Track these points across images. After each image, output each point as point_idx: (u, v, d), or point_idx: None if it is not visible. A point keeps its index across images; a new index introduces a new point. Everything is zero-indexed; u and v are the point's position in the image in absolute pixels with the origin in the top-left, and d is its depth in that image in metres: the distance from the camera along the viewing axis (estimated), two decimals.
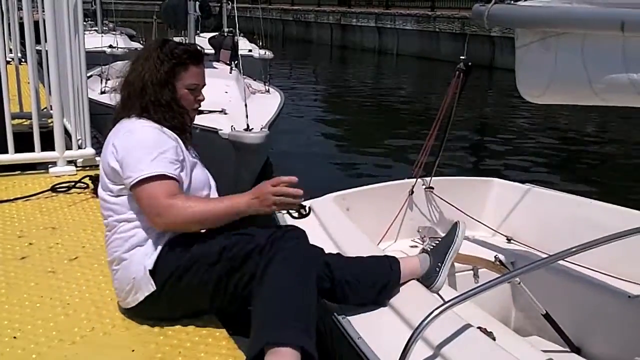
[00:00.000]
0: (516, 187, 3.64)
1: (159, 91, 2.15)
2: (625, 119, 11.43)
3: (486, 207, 3.66)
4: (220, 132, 5.57)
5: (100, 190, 2.21)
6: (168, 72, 2.16)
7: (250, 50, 12.29)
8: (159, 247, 2.07)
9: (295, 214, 3.19)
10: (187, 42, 8.80)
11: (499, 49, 19.59)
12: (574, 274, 2.87)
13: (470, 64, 3.43)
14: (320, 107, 13.86)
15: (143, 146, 2.07)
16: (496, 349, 1.96)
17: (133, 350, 2.00)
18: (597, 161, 9.19)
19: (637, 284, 2.77)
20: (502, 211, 3.58)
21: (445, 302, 1.88)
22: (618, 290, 2.74)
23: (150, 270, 2.05)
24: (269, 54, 12.59)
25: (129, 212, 2.10)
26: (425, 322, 1.82)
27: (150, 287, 2.06)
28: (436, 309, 1.84)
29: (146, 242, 2.08)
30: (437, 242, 2.57)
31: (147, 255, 2.07)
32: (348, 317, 2.28)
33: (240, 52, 9.13)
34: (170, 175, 2.04)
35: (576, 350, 2.81)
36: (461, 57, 3.42)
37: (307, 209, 3.21)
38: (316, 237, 2.58)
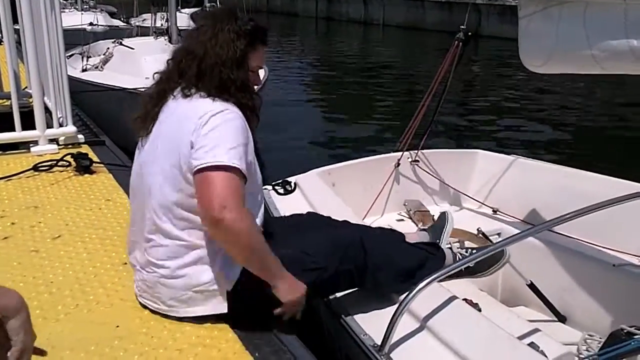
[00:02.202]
0: (501, 159, 3.63)
1: (236, 70, 1.89)
2: (613, 89, 11.47)
3: (472, 179, 3.65)
4: None
5: (171, 192, 1.86)
6: (243, 50, 1.90)
7: None
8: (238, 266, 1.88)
9: (281, 190, 3.17)
10: (168, 18, 8.75)
11: (484, 16, 19.48)
12: (559, 244, 2.88)
13: (470, 33, 3.37)
14: (305, 81, 13.79)
15: (231, 133, 1.81)
16: (481, 319, 1.98)
17: (118, 326, 1.98)
18: (583, 131, 9.23)
19: (622, 252, 2.79)
20: (488, 183, 3.57)
21: (430, 276, 1.89)
22: (603, 259, 2.75)
23: (228, 291, 1.90)
24: None
25: None
26: (411, 295, 1.84)
27: (222, 306, 1.93)
28: (421, 282, 1.85)
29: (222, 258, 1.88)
30: (430, 225, 2.61)
31: (225, 273, 1.89)
32: (335, 293, 2.28)
33: None
34: (244, 173, 1.79)
35: (562, 319, 2.84)
36: (461, 27, 3.36)
37: (292, 184, 3.20)
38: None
